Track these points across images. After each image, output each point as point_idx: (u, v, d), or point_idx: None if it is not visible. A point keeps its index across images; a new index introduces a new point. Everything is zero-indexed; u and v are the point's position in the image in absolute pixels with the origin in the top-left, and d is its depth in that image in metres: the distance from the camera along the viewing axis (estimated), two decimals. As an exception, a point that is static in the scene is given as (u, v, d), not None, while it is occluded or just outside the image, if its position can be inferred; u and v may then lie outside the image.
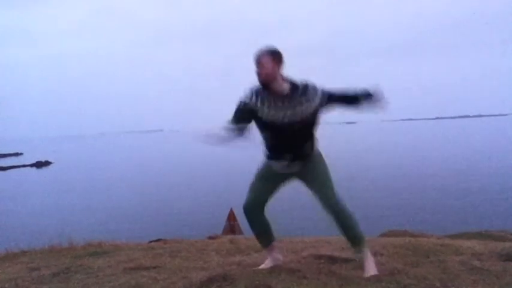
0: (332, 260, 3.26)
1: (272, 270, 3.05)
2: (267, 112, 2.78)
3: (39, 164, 56.00)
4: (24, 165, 55.51)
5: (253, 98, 2.82)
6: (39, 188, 34.57)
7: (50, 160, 58.54)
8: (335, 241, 4.20)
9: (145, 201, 24.87)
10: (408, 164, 36.62)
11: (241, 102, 2.86)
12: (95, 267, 3.56)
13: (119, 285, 3.00)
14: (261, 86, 2.81)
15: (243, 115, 2.82)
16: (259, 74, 2.77)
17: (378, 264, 3.10)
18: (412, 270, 2.96)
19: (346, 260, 3.22)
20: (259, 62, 2.76)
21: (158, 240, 6.99)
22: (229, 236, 5.90)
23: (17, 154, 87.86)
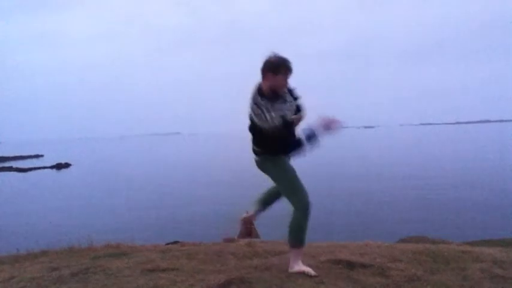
0: (350, 265, 3.23)
1: (290, 274, 3.05)
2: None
3: (59, 166, 56.76)
4: (44, 167, 56.36)
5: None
6: (59, 189, 35.08)
7: (69, 162, 59.38)
8: (353, 246, 4.17)
9: (162, 204, 25.01)
10: (427, 169, 36.09)
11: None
12: (113, 268, 3.60)
13: (137, 287, 3.02)
14: (259, 92, 3.02)
15: None
16: (286, 85, 3.08)
17: (397, 270, 3.07)
18: (432, 277, 2.92)
19: (364, 266, 3.19)
20: (290, 73, 3.04)
21: (175, 242, 7.03)
22: (247, 240, 5.87)
23: (37, 156, 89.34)
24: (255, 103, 2.97)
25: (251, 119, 3.04)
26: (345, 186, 27.43)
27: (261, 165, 3.22)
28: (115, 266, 3.70)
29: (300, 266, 3.11)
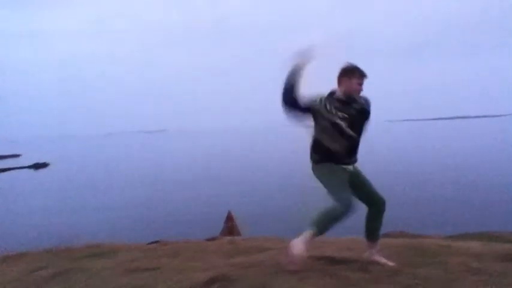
0: (333, 261, 3.25)
1: (273, 271, 3.04)
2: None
3: (37, 166, 55.70)
4: (22, 167, 55.24)
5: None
6: (37, 189, 34.47)
7: (47, 162, 58.32)
8: (337, 242, 4.20)
9: (143, 203, 24.80)
10: (409, 164, 36.65)
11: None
12: (94, 269, 3.55)
13: (119, 287, 2.99)
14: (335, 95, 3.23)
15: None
16: (360, 89, 3.24)
17: (379, 265, 3.10)
18: (413, 271, 2.95)
19: (347, 261, 3.22)
20: (364, 79, 3.23)
21: (157, 241, 6.98)
22: (229, 237, 5.87)
23: (15, 156, 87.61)
24: (320, 98, 3.22)
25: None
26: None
27: (315, 172, 3.31)
28: (96, 266, 3.65)
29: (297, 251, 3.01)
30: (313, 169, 3.31)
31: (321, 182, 3.24)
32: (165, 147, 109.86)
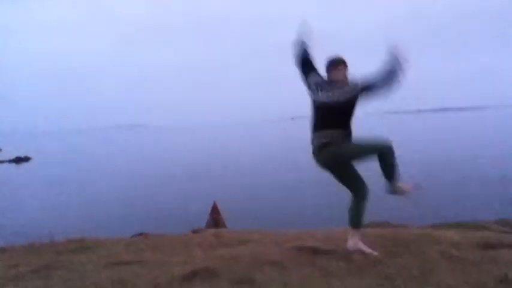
0: (315, 252, 3.28)
1: (256, 263, 3.06)
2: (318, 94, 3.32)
3: (18, 160, 54.71)
4: (2, 161, 54.20)
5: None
6: (18, 184, 33.87)
7: (29, 156, 57.31)
8: (318, 234, 4.23)
9: (126, 196, 24.56)
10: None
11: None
12: (76, 263, 3.52)
13: (101, 281, 2.96)
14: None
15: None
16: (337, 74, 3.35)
17: (360, 254, 3.14)
18: (393, 260, 3.00)
19: (328, 252, 3.25)
20: (337, 66, 3.35)
21: (140, 234, 6.95)
22: (213, 230, 5.86)
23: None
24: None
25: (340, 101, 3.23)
26: (311, 175, 27.80)
27: (337, 150, 3.32)
28: (78, 260, 3.61)
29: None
30: (344, 147, 3.32)
31: (356, 152, 3.42)
32: (145, 141, 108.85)
